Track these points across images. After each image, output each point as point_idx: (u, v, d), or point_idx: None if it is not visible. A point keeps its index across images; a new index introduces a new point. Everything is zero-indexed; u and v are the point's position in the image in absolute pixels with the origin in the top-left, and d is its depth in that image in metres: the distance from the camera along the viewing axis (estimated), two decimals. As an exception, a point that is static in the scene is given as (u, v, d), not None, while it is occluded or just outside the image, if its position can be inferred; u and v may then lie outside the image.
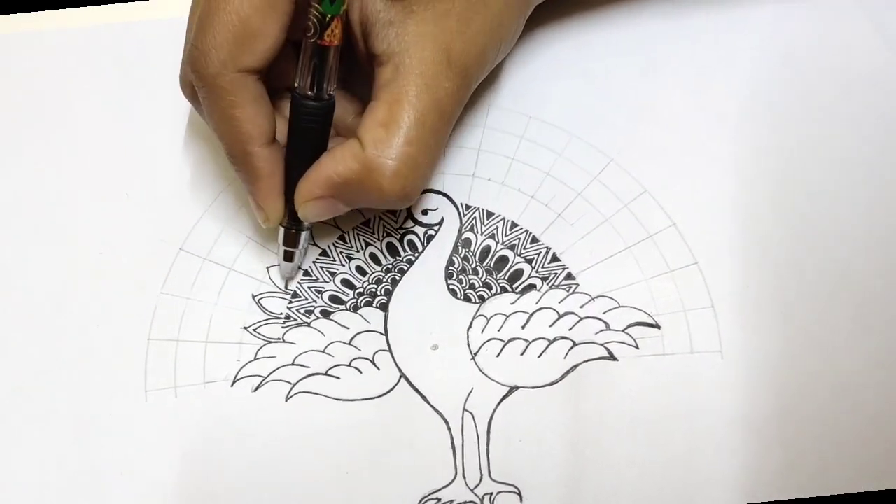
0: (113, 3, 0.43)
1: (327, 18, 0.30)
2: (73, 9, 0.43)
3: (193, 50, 0.31)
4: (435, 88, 0.32)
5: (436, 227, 0.37)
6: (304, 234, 0.35)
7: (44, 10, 0.43)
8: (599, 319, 0.36)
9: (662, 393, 0.34)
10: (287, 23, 0.31)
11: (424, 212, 0.38)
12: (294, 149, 0.33)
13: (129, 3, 0.43)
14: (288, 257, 0.36)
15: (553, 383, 0.35)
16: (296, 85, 0.32)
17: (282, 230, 0.35)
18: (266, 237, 0.37)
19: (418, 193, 0.33)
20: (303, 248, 0.36)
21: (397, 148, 0.31)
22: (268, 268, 0.37)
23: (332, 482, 0.34)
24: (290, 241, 0.35)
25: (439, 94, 0.32)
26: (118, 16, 0.42)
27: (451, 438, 0.34)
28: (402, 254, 0.37)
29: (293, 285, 0.37)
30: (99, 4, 0.43)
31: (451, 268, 0.37)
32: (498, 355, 0.35)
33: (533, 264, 0.37)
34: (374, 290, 0.36)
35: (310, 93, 0.32)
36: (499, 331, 0.36)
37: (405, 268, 0.37)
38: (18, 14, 0.43)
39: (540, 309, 0.36)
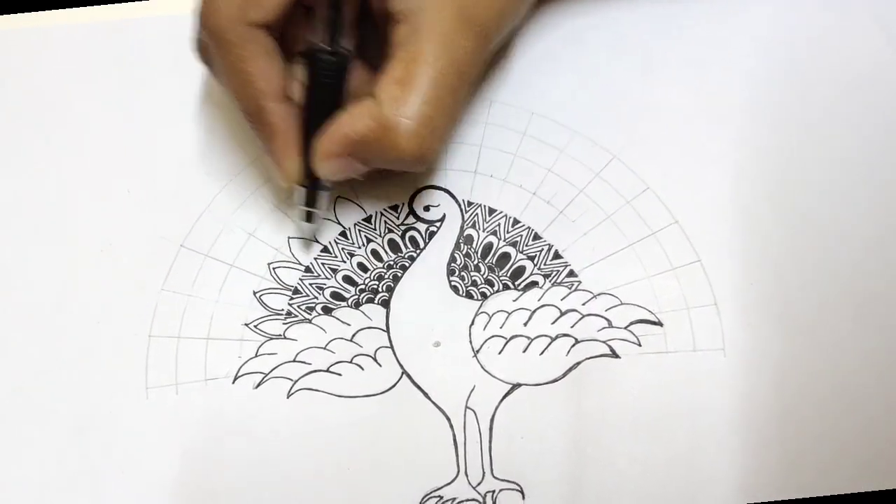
0: (113, 2, 0.42)
1: None
2: (74, 9, 0.42)
3: (204, 6, 0.31)
4: (453, 48, 0.31)
5: (438, 224, 0.37)
6: (325, 195, 0.35)
7: (44, 10, 0.42)
8: (602, 317, 0.35)
9: (665, 391, 0.34)
10: None
11: (426, 208, 0.38)
12: (311, 104, 0.33)
13: (129, 4, 0.42)
14: (308, 218, 0.35)
15: (555, 381, 0.35)
16: (312, 39, 0.32)
17: (300, 191, 0.35)
18: (267, 234, 0.37)
19: (435, 155, 0.32)
20: (323, 209, 0.36)
21: (414, 107, 0.31)
22: (269, 264, 0.37)
23: (333, 479, 0.33)
24: (310, 200, 0.35)
25: (457, 54, 0.31)
26: (118, 15, 0.42)
27: (454, 436, 0.34)
28: (404, 250, 0.37)
29: (308, 258, 0.36)
30: (99, 4, 0.42)
31: (452, 265, 0.37)
32: (500, 352, 0.35)
33: (535, 261, 0.36)
34: (375, 286, 0.36)
35: (326, 46, 0.32)
36: (501, 328, 0.35)
37: (407, 264, 0.37)
38: (19, 14, 0.42)
39: (542, 306, 0.36)
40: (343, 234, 0.37)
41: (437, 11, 0.31)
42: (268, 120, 0.33)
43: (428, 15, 0.31)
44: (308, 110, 0.34)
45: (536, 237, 0.37)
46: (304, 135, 0.34)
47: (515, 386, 0.35)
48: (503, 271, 0.36)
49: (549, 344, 0.35)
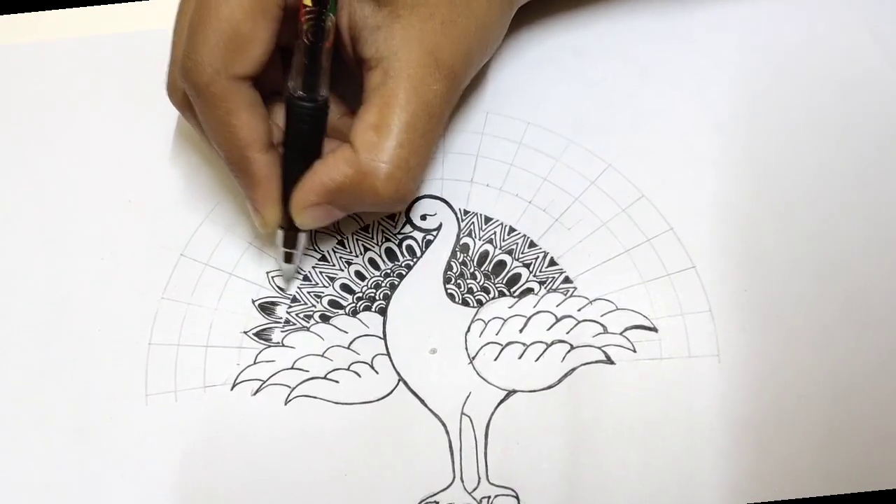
0: (111, 2, 0.43)
1: (322, 20, 0.31)
2: (73, 9, 0.43)
3: (186, 60, 0.31)
4: (424, 91, 0.32)
5: (434, 233, 0.38)
6: (302, 236, 0.35)
7: (44, 10, 0.43)
8: (597, 322, 0.36)
9: (660, 396, 0.34)
10: (277, 28, 0.32)
11: (423, 217, 0.38)
12: (290, 151, 0.34)
13: (128, 3, 0.43)
14: (288, 259, 0.36)
15: (550, 387, 0.35)
16: (290, 86, 0.32)
17: (280, 233, 0.35)
18: (266, 243, 0.38)
19: (413, 195, 0.33)
20: (301, 249, 0.36)
21: (389, 151, 0.31)
22: (268, 273, 0.37)
23: (330, 485, 0.34)
24: (290, 243, 0.35)
25: (428, 97, 0.32)
26: (116, 15, 0.43)
27: (450, 442, 0.34)
28: (401, 258, 0.37)
29: (293, 288, 0.37)
30: (98, 4, 0.43)
31: (449, 272, 0.37)
32: (496, 359, 0.35)
33: (531, 268, 0.37)
34: (372, 294, 0.37)
35: (304, 94, 0.32)
36: (496, 334, 0.36)
37: (404, 272, 0.37)
38: (19, 14, 0.43)
39: (538, 312, 0.36)
40: (341, 243, 0.38)
41: (406, 55, 0.32)
42: (251, 170, 0.33)
43: (399, 60, 0.32)
44: (287, 157, 0.34)
45: (532, 245, 0.37)
46: (285, 181, 0.34)
47: (511, 392, 0.35)
48: (499, 279, 0.37)
49: (545, 350, 0.35)
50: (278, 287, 0.37)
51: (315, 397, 0.35)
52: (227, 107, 0.32)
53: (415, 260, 0.37)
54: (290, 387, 0.35)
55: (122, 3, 0.44)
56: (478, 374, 0.35)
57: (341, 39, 0.33)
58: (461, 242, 0.37)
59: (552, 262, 0.37)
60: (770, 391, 0.34)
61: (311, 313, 0.36)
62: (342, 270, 0.37)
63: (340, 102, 0.36)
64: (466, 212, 0.38)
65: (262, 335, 0.36)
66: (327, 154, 0.33)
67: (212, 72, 0.31)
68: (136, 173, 0.39)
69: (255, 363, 0.36)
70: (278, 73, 0.35)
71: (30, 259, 0.38)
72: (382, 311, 0.36)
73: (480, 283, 0.37)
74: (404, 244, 0.38)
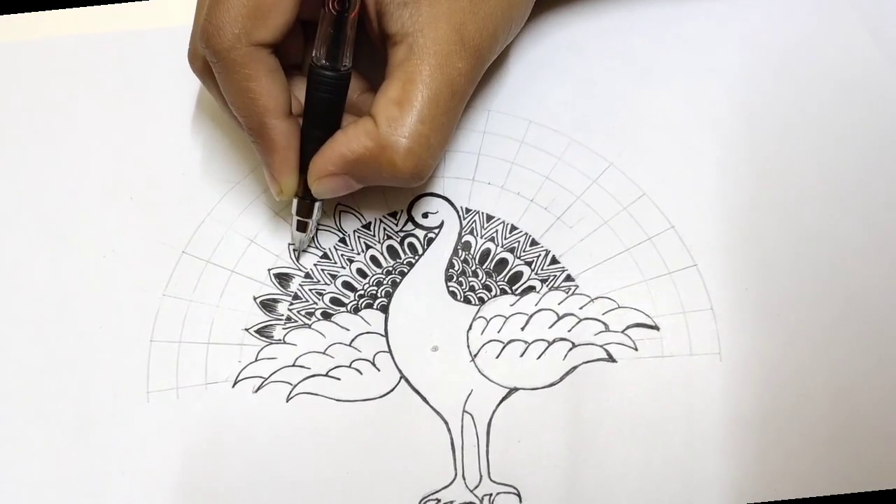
0: (111, 2, 0.43)
1: None
2: (73, 9, 0.43)
3: (207, 25, 0.32)
4: (448, 68, 0.32)
5: (436, 230, 0.38)
6: (317, 205, 0.36)
7: (44, 10, 0.43)
8: (599, 321, 0.36)
9: (661, 394, 0.34)
10: None
11: (425, 215, 0.38)
12: (310, 121, 0.34)
13: (128, 4, 0.43)
14: (301, 227, 0.36)
15: (552, 385, 0.35)
16: (313, 55, 0.33)
17: (296, 201, 0.35)
18: (268, 240, 0.38)
19: (430, 172, 0.33)
20: (316, 219, 0.36)
21: (410, 126, 0.32)
22: (269, 270, 0.37)
23: (332, 483, 0.34)
24: (305, 211, 0.36)
25: (452, 74, 0.32)
26: (116, 15, 0.43)
27: (451, 439, 0.34)
28: (403, 256, 0.37)
29: (308, 263, 0.37)
30: (98, 4, 0.43)
31: (450, 270, 0.37)
32: (497, 357, 0.35)
33: (532, 266, 0.37)
34: (374, 292, 0.37)
35: (327, 63, 0.33)
36: (498, 332, 0.36)
37: (405, 270, 0.37)
38: (19, 14, 0.43)
39: (539, 310, 0.36)
40: (343, 240, 0.38)
41: (432, 32, 0.32)
42: (270, 136, 0.33)
43: (424, 36, 0.32)
44: (306, 126, 0.34)
45: (534, 243, 0.37)
46: (303, 150, 0.34)
47: (512, 390, 0.35)
48: (500, 276, 0.37)
49: (546, 348, 0.35)
50: (296, 263, 0.37)
51: (317, 394, 0.35)
52: (247, 73, 0.32)
53: (416, 258, 0.37)
54: (291, 384, 0.35)
55: (122, 3, 0.44)
56: (479, 371, 0.35)
57: (367, 13, 0.33)
58: (463, 240, 0.38)
59: (554, 261, 0.37)
60: (771, 390, 0.35)
61: (312, 310, 0.36)
62: (344, 268, 0.37)
63: (361, 79, 0.36)
64: (468, 210, 0.38)
65: (263, 332, 0.36)
66: (347, 126, 0.33)
67: (233, 37, 0.31)
68: (138, 171, 0.39)
69: (256, 360, 0.36)
70: (299, 46, 0.35)
71: (31, 257, 0.38)
72: (384, 309, 0.36)
73: (482, 281, 0.37)
74: (406, 242, 0.38)
